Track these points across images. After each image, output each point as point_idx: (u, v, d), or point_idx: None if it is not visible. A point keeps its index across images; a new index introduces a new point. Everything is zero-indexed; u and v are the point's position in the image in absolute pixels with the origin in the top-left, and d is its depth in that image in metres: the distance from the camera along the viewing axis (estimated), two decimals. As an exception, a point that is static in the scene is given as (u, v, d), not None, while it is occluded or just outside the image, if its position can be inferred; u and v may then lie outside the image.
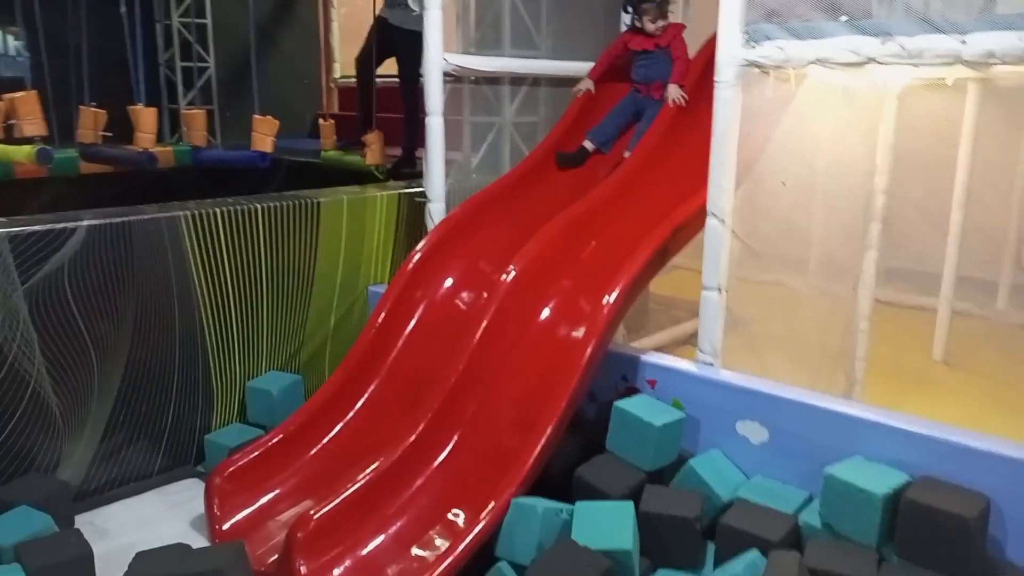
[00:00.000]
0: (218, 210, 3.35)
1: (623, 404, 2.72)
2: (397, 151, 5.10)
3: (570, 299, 3.04)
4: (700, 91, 3.47)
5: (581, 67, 3.97)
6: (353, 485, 2.55)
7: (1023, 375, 3.07)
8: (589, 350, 2.72)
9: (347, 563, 2.46)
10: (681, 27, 3.73)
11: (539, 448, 2.54)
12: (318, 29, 7.18)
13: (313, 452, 3.00)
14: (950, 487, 2.19)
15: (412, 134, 4.90)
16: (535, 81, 4.18)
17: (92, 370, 3.06)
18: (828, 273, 3.24)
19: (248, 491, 2.86)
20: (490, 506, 2.45)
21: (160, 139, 5.61)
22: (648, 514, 2.41)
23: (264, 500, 2.87)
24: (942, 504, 2.10)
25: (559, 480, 2.66)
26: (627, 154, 3.59)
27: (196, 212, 3.29)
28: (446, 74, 3.54)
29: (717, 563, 2.38)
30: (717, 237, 2.78)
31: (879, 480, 2.23)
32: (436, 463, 2.72)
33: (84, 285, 2.99)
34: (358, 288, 3.91)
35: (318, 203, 3.66)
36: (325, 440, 3.03)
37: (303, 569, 2.38)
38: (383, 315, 3.20)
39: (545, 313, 3.03)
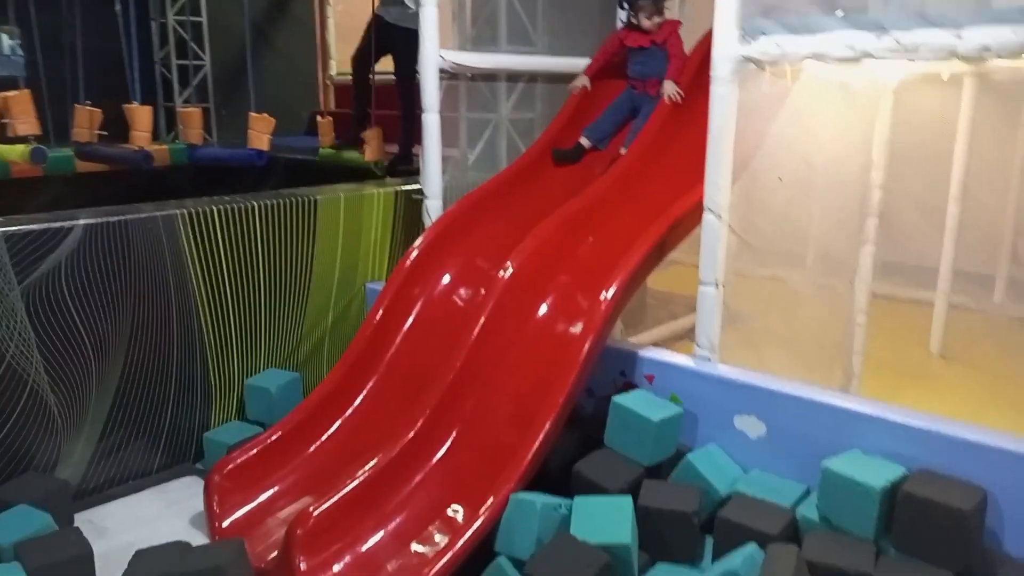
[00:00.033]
0: (215, 208, 3.34)
1: (621, 399, 2.73)
2: (394, 148, 5.10)
3: (567, 295, 3.05)
4: (696, 87, 3.47)
5: (577, 63, 3.97)
6: (352, 482, 2.55)
7: (1020, 368, 3.08)
8: (587, 346, 2.72)
9: (347, 559, 2.46)
10: (677, 23, 3.73)
11: (537, 443, 2.55)
12: (314, 26, 7.17)
13: (312, 449, 3.00)
14: (947, 480, 2.20)
15: (409, 131, 4.90)
16: (531, 77, 4.18)
17: (90, 368, 3.06)
18: (825, 268, 3.25)
19: (247, 488, 2.86)
20: (489, 501, 2.45)
21: (156, 137, 5.61)
22: (646, 508, 2.42)
23: (263, 497, 2.87)
24: (939, 497, 2.11)
25: (557, 475, 2.67)
26: (623, 151, 3.59)
27: (193, 210, 3.29)
28: (442, 71, 3.54)
29: (715, 557, 2.39)
30: (714, 232, 2.79)
31: (876, 473, 2.24)
32: (435, 459, 2.73)
33: (81, 284, 2.99)
34: (356, 285, 3.91)
35: (315, 200, 3.66)
36: (324, 437, 3.03)
37: (303, 566, 2.38)
38: (381, 312, 3.20)
39: (543, 309, 3.03)
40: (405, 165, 4.92)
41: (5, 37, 4.60)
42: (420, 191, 3.72)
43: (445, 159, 3.67)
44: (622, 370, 2.99)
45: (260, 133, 4.92)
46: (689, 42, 3.75)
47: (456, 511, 2.62)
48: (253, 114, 4.95)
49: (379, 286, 3.72)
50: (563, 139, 3.82)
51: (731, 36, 2.63)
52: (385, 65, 5.18)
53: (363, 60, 5.16)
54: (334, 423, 3.06)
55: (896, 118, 3.25)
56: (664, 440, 2.67)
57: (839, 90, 3.03)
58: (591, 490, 2.54)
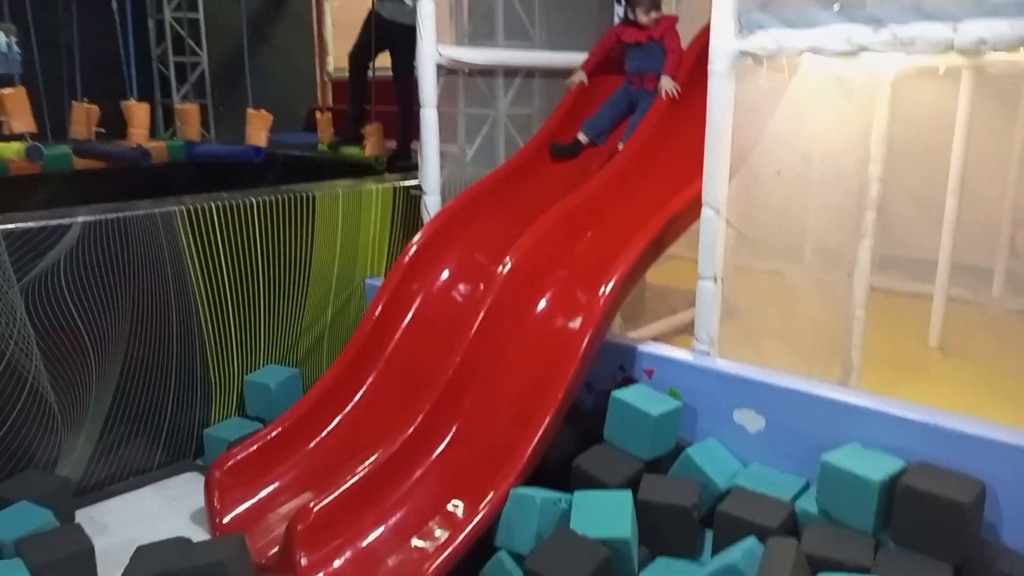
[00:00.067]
0: (213, 205, 3.34)
1: (620, 394, 2.73)
2: (392, 144, 5.10)
3: (566, 290, 3.05)
4: (693, 82, 3.47)
5: (575, 58, 3.96)
6: (352, 477, 2.56)
7: (1018, 361, 3.09)
8: (586, 340, 2.73)
9: (347, 555, 2.47)
10: (674, 19, 3.73)
11: (537, 438, 2.55)
12: (311, 22, 7.16)
13: (312, 445, 3.00)
14: (946, 473, 2.20)
15: (407, 127, 4.90)
16: (529, 73, 4.18)
17: (90, 366, 3.06)
18: (823, 261, 3.26)
19: (248, 484, 2.87)
20: (489, 496, 2.46)
21: (154, 134, 5.62)
22: (646, 503, 2.43)
23: (264, 493, 2.87)
24: (938, 490, 2.12)
25: (557, 470, 2.68)
26: (621, 146, 3.59)
27: (191, 207, 3.28)
28: (440, 66, 3.54)
29: (715, 551, 2.40)
30: (712, 227, 2.79)
31: (875, 466, 2.25)
32: (435, 455, 2.74)
33: (80, 281, 2.99)
34: (355, 281, 3.91)
35: (313, 196, 3.66)
36: (324, 433, 3.03)
37: (304, 561, 2.39)
38: (380, 308, 3.20)
39: (542, 304, 3.04)
40: (403, 161, 4.92)
41: (2, 35, 4.61)
42: (418, 187, 3.72)
43: (443, 155, 3.67)
44: (621, 365, 2.99)
45: (258, 129, 4.93)
46: (686, 37, 3.75)
47: (456, 506, 2.63)
48: (251, 111, 4.95)
49: (378, 282, 3.73)
50: (561, 135, 3.81)
51: (728, 31, 2.63)
52: (382, 61, 5.18)
53: (360, 56, 5.16)
54: (334, 419, 3.06)
55: (893, 112, 3.25)
56: (663, 434, 2.68)
57: (836, 84, 3.03)
58: (591, 484, 2.55)
